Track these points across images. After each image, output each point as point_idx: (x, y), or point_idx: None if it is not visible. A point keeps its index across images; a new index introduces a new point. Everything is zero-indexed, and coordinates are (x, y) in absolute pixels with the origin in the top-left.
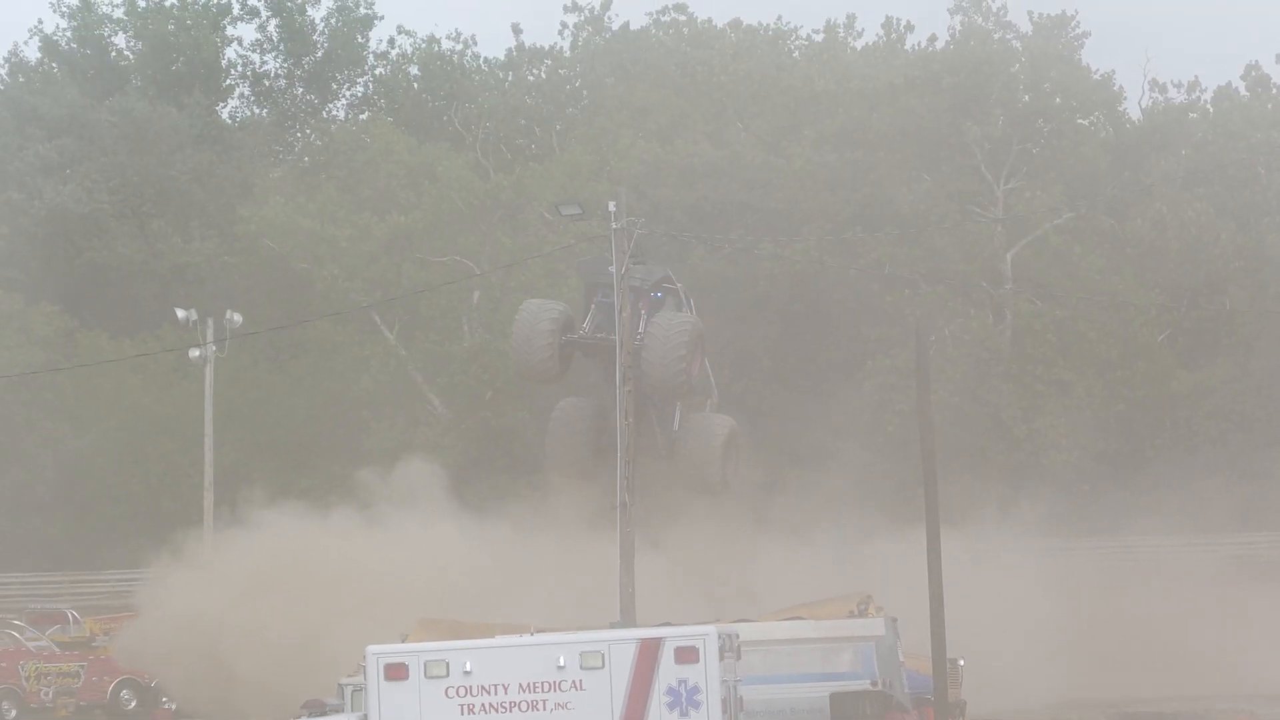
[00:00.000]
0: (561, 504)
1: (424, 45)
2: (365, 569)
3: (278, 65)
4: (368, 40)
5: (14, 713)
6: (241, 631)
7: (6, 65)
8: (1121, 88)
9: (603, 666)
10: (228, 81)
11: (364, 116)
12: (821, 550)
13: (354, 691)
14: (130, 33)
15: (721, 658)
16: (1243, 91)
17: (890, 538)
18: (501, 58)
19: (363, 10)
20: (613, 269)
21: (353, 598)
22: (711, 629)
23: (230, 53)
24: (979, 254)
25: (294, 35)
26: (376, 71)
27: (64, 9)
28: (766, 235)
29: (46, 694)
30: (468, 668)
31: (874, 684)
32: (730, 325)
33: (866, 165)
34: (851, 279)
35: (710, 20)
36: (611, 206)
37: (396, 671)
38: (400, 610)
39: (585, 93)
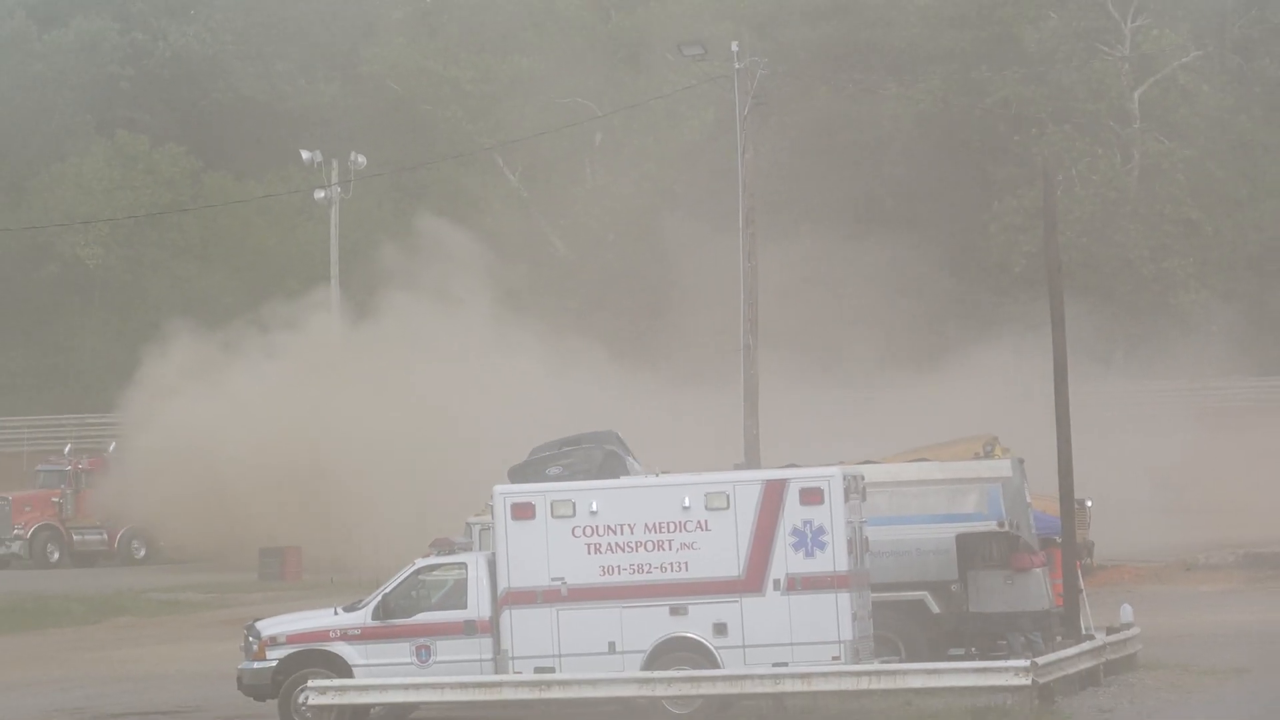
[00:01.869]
0: (684, 346)
1: None
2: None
3: None
4: None
5: (143, 551)
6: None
7: None
8: None
9: (728, 508)
10: None
11: None
12: (944, 390)
13: (481, 530)
14: None
15: (847, 499)
16: None
17: (1014, 378)
18: None
19: None
20: None
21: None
22: (836, 470)
23: None
24: (1106, 93)
25: None
26: None
27: None
28: (891, 75)
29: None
30: (594, 508)
31: (1001, 525)
32: (854, 167)
33: (993, 3)
34: (977, 119)
35: None
36: (734, 46)
37: (523, 511)
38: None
39: None
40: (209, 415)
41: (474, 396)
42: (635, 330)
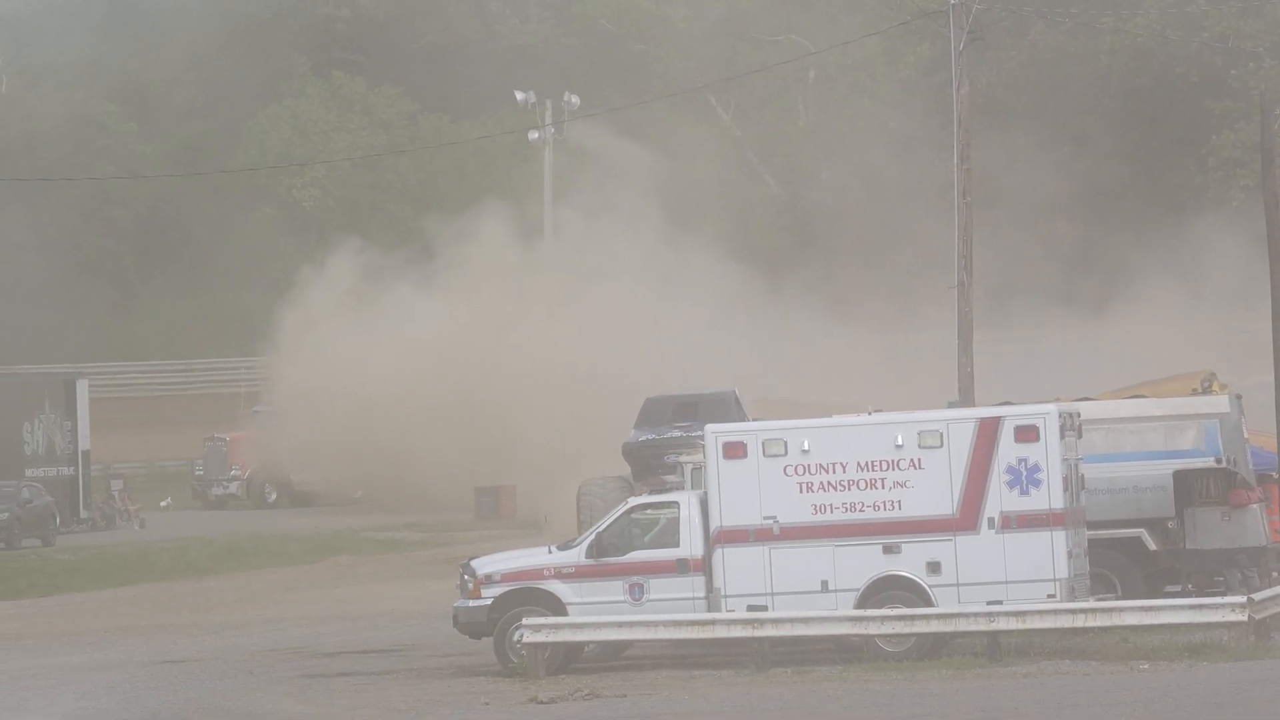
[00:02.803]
0: (896, 286)
1: None
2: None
3: None
4: None
5: (274, 495)
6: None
7: None
8: None
9: (941, 446)
10: None
11: None
12: (1163, 328)
13: (693, 470)
14: None
15: (1062, 436)
16: None
17: (1234, 313)
18: None
19: None
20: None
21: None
22: (1052, 407)
23: None
24: None
25: None
26: None
27: None
28: (1108, 9)
29: None
30: (805, 446)
31: (1218, 461)
32: (1070, 101)
33: None
34: (1194, 53)
35: None
36: None
37: (735, 450)
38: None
39: None
40: (362, 345)
41: (654, 330)
42: (849, 268)
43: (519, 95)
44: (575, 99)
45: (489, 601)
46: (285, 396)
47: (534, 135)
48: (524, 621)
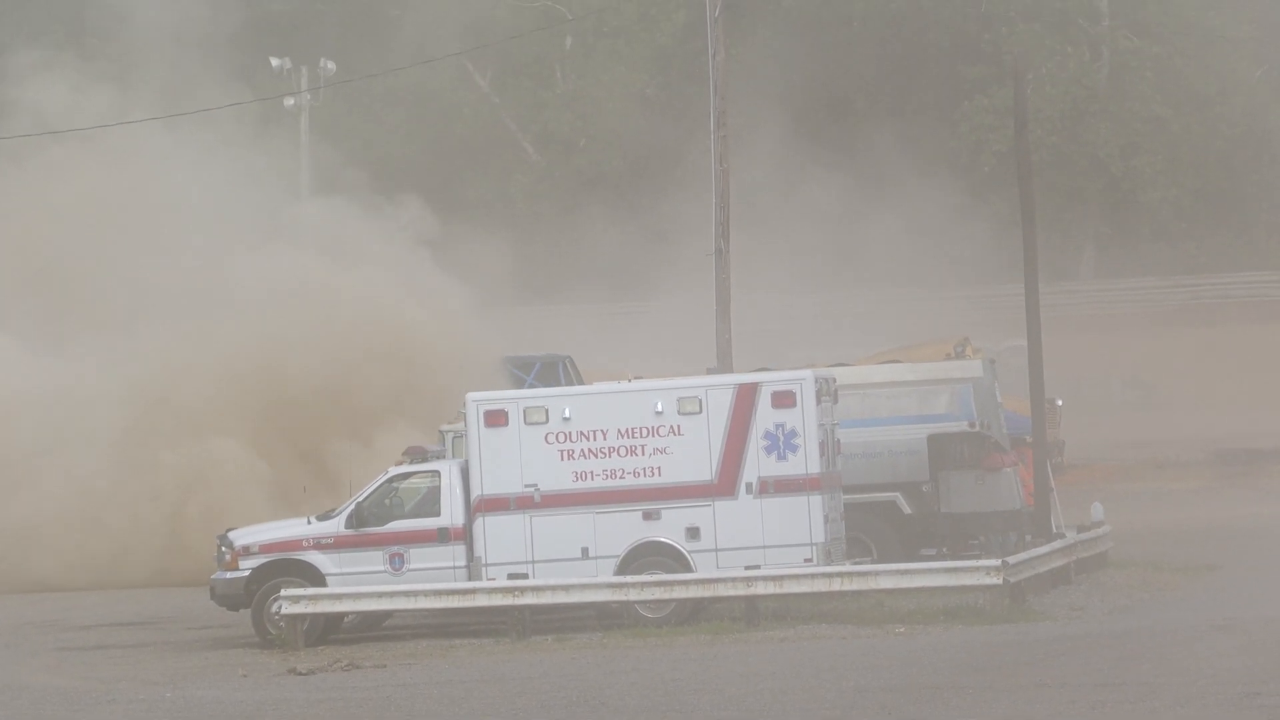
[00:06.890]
0: (658, 255)
1: None
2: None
3: None
4: None
5: None
6: None
7: None
8: None
9: (700, 412)
10: None
11: None
12: (918, 294)
13: (454, 438)
14: None
15: (818, 401)
16: None
17: (986, 281)
18: None
19: None
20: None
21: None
22: (808, 373)
23: None
24: None
25: None
26: None
27: None
28: None
29: None
30: (566, 414)
31: (972, 425)
32: (823, 67)
33: None
34: (947, 17)
35: None
36: None
37: (496, 418)
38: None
39: None
40: None
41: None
42: (608, 235)
43: (274, 62)
44: (331, 65)
45: (246, 573)
46: None
47: (290, 102)
48: (282, 593)
